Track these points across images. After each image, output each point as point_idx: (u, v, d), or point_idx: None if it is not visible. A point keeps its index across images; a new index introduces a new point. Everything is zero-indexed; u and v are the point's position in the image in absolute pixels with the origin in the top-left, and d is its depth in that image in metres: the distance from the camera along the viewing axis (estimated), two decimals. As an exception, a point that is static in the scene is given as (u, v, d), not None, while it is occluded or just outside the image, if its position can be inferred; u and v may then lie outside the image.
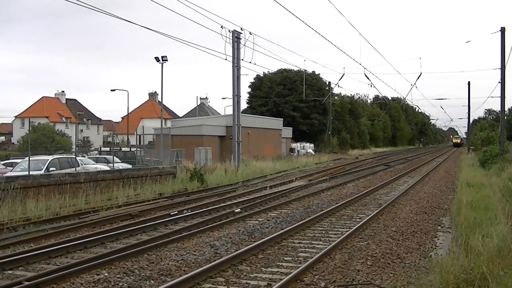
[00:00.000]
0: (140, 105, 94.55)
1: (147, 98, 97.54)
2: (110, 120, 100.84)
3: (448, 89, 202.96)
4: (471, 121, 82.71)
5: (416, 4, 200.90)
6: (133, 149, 41.10)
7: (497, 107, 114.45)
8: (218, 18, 64.23)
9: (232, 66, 32.70)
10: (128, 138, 62.51)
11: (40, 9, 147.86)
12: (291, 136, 62.17)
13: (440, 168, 40.04)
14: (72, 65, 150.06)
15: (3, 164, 29.73)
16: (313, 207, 17.54)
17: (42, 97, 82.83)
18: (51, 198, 17.41)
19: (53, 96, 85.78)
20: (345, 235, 11.95)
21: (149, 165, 30.25)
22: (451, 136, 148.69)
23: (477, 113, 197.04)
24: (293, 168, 38.55)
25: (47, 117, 75.56)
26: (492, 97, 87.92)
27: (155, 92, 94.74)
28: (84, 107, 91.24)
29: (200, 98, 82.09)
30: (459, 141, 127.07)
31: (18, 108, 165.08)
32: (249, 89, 70.89)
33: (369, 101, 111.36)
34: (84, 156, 34.42)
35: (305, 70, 55.20)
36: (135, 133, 45.86)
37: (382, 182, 26.66)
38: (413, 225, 13.75)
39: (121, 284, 8.29)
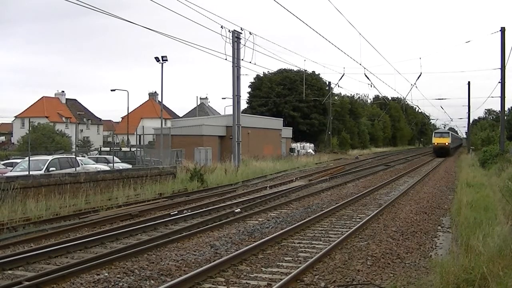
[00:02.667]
0: (140, 105, 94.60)
1: (147, 98, 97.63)
2: (110, 120, 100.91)
3: (448, 89, 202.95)
4: (471, 121, 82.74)
5: (416, 4, 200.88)
6: (133, 149, 41.13)
7: (497, 107, 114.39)
8: (218, 18, 64.30)
9: (232, 66, 32.70)
10: (128, 138, 62.54)
11: (40, 10, 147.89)
12: (291, 136, 62.19)
13: (440, 168, 40.03)
14: (72, 65, 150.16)
15: (3, 164, 29.75)
16: (313, 207, 17.54)
17: (42, 97, 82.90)
18: (51, 198, 17.40)
19: (53, 96, 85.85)
20: (345, 235, 11.95)
21: (149, 165, 30.29)
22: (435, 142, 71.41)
23: (477, 113, 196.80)
24: (293, 168, 38.54)
25: (47, 117, 75.60)
26: (492, 97, 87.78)
27: (155, 92, 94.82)
28: (84, 107, 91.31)
29: (200, 98, 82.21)
30: (446, 142, 64.13)
31: (18, 108, 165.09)
32: (249, 89, 70.94)
33: (369, 101, 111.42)
34: (84, 156, 34.45)
35: (305, 70, 55.22)
36: (135, 133, 45.91)
37: (382, 182, 26.66)
38: (413, 225, 13.75)
39: (121, 284, 8.29)
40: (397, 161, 50.50)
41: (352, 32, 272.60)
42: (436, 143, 64.31)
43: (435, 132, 68.39)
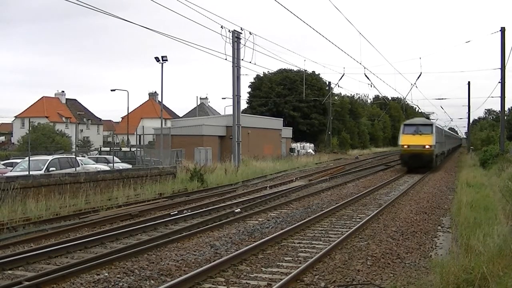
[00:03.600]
0: (140, 105, 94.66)
1: (147, 98, 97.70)
2: (110, 120, 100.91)
3: (448, 89, 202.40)
4: (471, 121, 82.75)
5: (416, 4, 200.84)
6: (133, 149, 41.14)
7: (497, 107, 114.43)
8: (218, 18, 64.41)
9: (232, 66, 32.72)
10: (128, 138, 62.55)
11: (40, 10, 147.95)
12: (291, 136, 62.21)
13: (440, 168, 39.99)
14: (72, 65, 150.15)
15: (3, 164, 29.75)
16: (313, 207, 17.54)
17: (42, 97, 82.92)
18: (51, 198, 17.41)
19: (53, 96, 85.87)
20: (345, 235, 11.95)
21: (149, 165, 30.28)
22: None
23: (477, 113, 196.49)
24: (293, 168, 38.54)
25: (47, 117, 75.61)
26: (492, 97, 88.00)
27: (155, 92, 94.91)
28: (84, 107, 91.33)
29: (200, 98, 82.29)
30: (426, 143, 33.08)
31: (18, 108, 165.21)
32: (249, 89, 71.02)
33: (369, 101, 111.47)
34: (84, 156, 34.45)
35: (305, 70, 55.24)
36: (135, 133, 45.91)
37: (382, 182, 26.66)
38: (413, 225, 13.75)
39: (121, 284, 8.29)
40: (397, 161, 50.28)
41: (352, 32, 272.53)
42: (406, 146, 33.80)
43: (405, 125, 35.73)
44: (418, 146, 32.93)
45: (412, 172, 32.58)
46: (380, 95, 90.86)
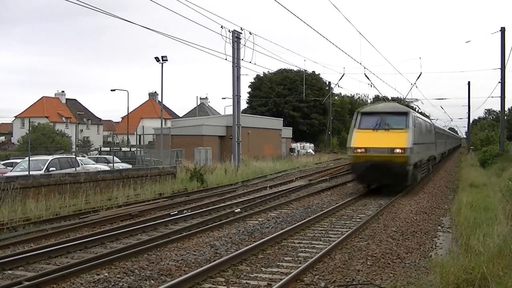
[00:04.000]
0: (140, 105, 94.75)
1: (147, 98, 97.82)
2: (110, 120, 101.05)
3: (448, 89, 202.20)
4: (471, 121, 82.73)
5: (416, 4, 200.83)
6: (133, 149, 41.18)
7: (497, 107, 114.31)
8: (218, 18, 64.38)
9: (232, 66, 32.73)
10: (128, 138, 62.57)
11: (40, 10, 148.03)
12: (291, 136, 62.25)
13: (440, 168, 39.99)
14: (72, 65, 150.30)
15: (3, 164, 29.77)
16: (313, 207, 17.53)
17: (42, 97, 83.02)
18: (51, 198, 17.40)
19: (53, 96, 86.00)
20: (345, 235, 11.94)
21: (149, 165, 30.30)
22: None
23: (477, 113, 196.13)
24: (293, 168, 38.55)
25: (47, 117, 75.69)
26: (492, 97, 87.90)
27: (155, 92, 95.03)
28: (84, 107, 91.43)
29: (200, 98, 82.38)
30: (398, 146, 19.69)
31: (18, 108, 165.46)
32: (249, 89, 71.12)
33: (369, 101, 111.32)
34: (84, 156, 34.48)
35: (305, 70, 55.26)
36: (135, 133, 45.96)
37: (382, 182, 26.61)
38: (413, 225, 13.75)
39: (121, 284, 8.29)
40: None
41: (352, 32, 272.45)
42: (360, 150, 20.90)
43: (361, 114, 22.45)
44: (382, 150, 20.25)
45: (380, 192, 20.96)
46: (380, 95, 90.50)
